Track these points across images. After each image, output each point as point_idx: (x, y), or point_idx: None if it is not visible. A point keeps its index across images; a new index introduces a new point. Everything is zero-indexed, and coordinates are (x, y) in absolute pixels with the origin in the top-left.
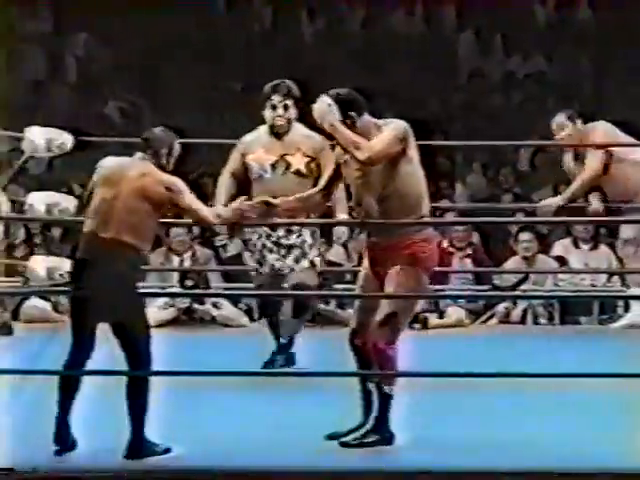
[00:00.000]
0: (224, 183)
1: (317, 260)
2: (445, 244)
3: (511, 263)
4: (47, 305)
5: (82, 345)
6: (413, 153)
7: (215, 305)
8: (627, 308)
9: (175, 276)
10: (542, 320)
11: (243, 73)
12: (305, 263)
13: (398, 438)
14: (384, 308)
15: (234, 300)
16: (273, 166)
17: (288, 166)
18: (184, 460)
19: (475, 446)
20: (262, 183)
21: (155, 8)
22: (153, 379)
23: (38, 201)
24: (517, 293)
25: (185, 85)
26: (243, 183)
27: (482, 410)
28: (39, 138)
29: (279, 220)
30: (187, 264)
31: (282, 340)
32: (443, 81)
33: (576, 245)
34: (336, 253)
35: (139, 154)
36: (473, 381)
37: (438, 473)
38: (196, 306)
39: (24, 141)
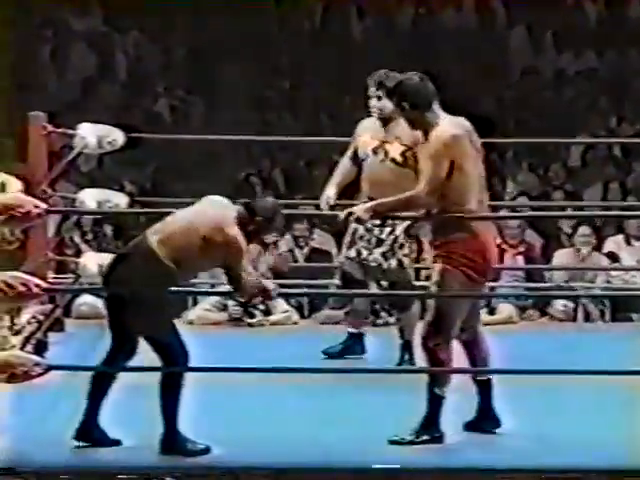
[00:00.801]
0: (341, 166)
1: (406, 260)
2: (498, 241)
3: (562, 256)
4: (98, 302)
5: (118, 343)
6: (463, 158)
7: (266, 311)
8: None
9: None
10: (593, 317)
11: (292, 71)
12: (393, 262)
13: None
14: (431, 308)
15: (285, 297)
16: (374, 151)
17: (386, 154)
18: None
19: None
20: (366, 167)
21: (205, 5)
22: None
23: (89, 198)
24: (568, 292)
25: (234, 82)
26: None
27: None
28: (90, 135)
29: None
30: None
31: (353, 330)
32: (495, 79)
33: (628, 242)
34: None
35: (238, 207)
36: (533, 378)
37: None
38: (248, 320)
39: (76, 137)
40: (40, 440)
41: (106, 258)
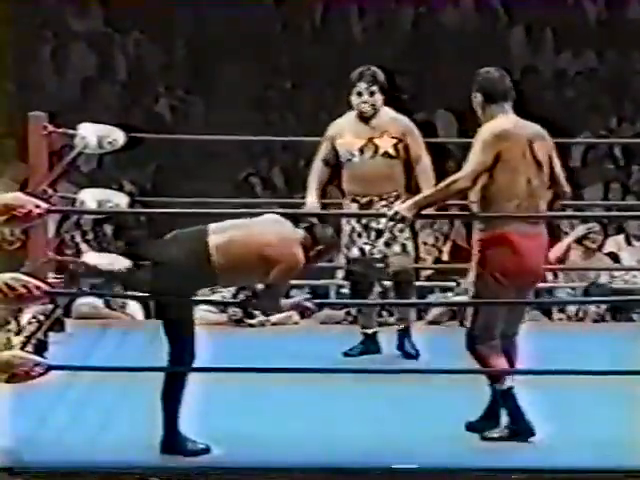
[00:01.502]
0: (315, 170)
1: (409, 244)
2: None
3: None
4: (99, 301)
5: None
6: (510, 154)
7: (266, 313)
8: None
9: None
10: (594, 316)
11: (292, 71)
12: (397, 247)
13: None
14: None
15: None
16: (361, 150)
17: (376, 149)
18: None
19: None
20: (351, 167)
21: (206, 5)
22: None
23: (89, 198)
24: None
25: (235, 82)
26: (334, 169)
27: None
28: (91, 135)
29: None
30: None
31: (366, 331)
32: None
33: (628, 242)
34: None
35: (302, 231)
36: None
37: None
38: (248, 321)
39: (76, 137)
40: (40, 440)
41: (107, 258)
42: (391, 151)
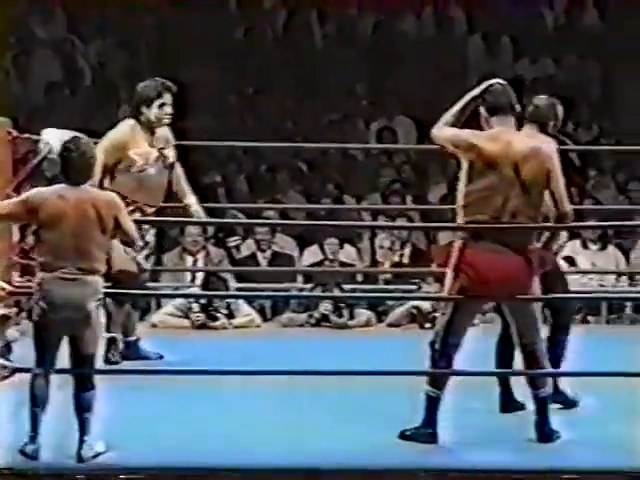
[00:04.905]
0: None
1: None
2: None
3: None
4: None
5: None
6: (478, 162)
7: (229, 315)
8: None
9: (189, 277)
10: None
11: (255, 76)
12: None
13: None
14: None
15: (247, 300)
16: (156, 160)
17: (164, 160)
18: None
19: None
20: (143, 178)
21: (170, 12)
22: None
23: (53, 138)
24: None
25: (199, 88)
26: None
27: None
28: (55, 140)
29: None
30: (200, 264)
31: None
32: (453, 84)
33: (585, 246)
34: (347, 253)
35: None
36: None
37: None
38: (210, 323)
39: (40, 143)
40: (54, 442)
41: None
42: (172, 160)
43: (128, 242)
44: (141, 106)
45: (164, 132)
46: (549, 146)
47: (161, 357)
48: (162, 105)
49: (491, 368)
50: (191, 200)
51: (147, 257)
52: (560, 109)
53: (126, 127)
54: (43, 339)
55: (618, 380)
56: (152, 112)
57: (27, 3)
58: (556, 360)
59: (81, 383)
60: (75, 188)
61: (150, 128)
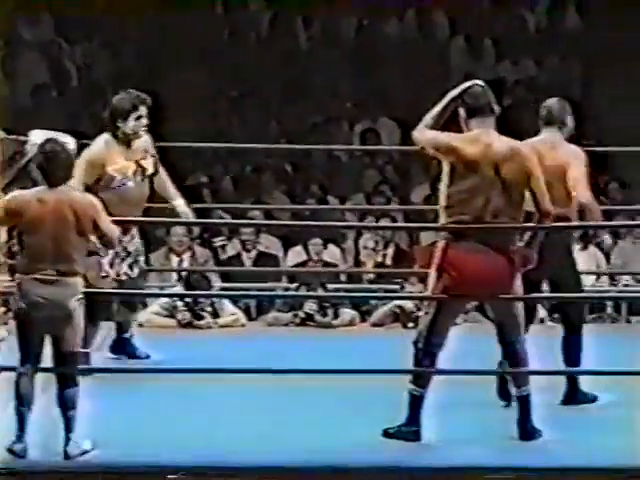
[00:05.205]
0: None
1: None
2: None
3: None
4: None
5: None
6: (458, 164)
7: (215, 314)
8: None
9: (175, 276)
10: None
11: (241, 78)
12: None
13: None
14: None
15: (233, 300)
16: (134, 174)
17: (144, 171)
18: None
19: None
20: (124, 192)
21: (156, 13)
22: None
23: (40, 138)
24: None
25: (184, 89)
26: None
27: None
28: (42, 141)
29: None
30: (186, 264)
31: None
32: (436, 86)
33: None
34: (331, 253)
35: None
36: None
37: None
38: (196, 322)
39: (27, 144)
40: (41, 440)
41: None
42: (152, 170)
43: (106, 244)
44: (117, 120)
45: (143, 142)
46: (572, 149)
47: (148, 357)
48: (138, 118)
49: (473, 366)
50: (179, 202)
51: (131, 266)
52: (569, 109)
53: (101, 143)
54: (26, 338)
55: (602, 379)
56: (128, 125)
57: (13, 5)
58: (573, 361)
59: (64, 381)
60: (54, 190)
61: (127, 141)
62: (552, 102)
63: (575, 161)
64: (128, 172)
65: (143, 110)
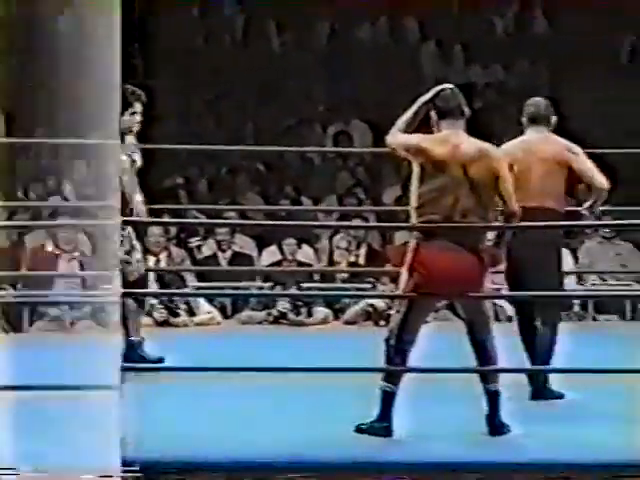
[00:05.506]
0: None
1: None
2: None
3: None
4: None
5: None
6: (428, 165)
7: (190, 312)
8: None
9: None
10: (505, 316)
11: (215, 81)
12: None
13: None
14: None
15: (209, 298)
16: (130, 166)
17: (134, 163)
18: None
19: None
20: (122, 186)
21: (134, 16)
22: None
23: None
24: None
25: (160, 93)
26: None
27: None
28: None
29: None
30: (163, 264)
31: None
32: (407, 89)
33: None
34: (305, 253)
35: None
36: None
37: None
38: (172, 319)
39: None
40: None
41: None
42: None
43: None
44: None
45: (129, 138)
46: (565, 143)
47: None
48: (133, 113)
49: (443, 364)
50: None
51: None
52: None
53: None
54: None
55: (570, 377)
56: (123, 120)
57: None
58: (545, 358)
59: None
60: None
61: (121, 136)
62: (538, 100)
63: (574, 155)
64: (124, 166)
65: (137, 107)
